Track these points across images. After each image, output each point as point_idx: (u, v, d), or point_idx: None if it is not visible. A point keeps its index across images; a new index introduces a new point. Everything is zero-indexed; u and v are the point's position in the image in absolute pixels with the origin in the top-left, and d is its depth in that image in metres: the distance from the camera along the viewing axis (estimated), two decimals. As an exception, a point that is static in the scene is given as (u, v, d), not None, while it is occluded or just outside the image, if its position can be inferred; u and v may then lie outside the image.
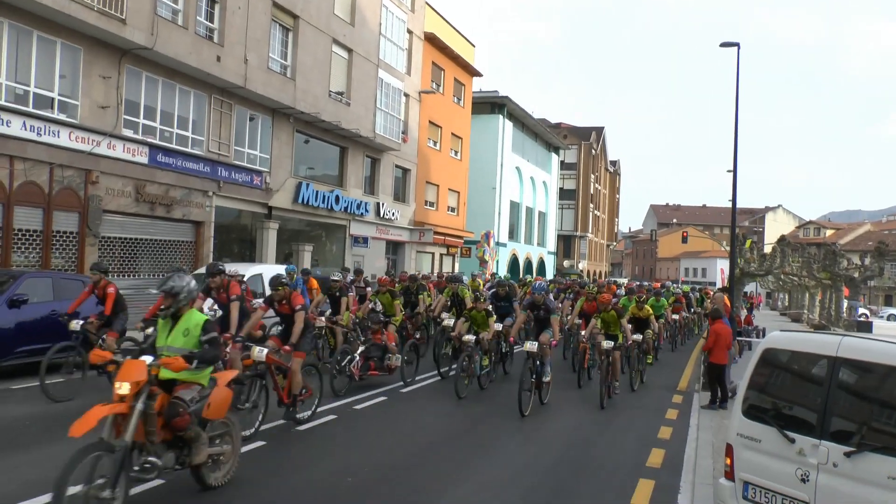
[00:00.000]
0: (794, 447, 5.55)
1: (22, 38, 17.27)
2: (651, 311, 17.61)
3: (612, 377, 13.64)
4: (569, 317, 19.27)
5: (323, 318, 15.66)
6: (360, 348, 13.33)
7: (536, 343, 12.33)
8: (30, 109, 17.35)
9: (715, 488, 6.67)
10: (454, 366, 14.14)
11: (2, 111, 16.57)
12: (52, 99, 18.07)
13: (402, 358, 13.89)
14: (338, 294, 16.06)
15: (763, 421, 5.89)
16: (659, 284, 30.74)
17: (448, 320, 16.18)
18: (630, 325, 15.75)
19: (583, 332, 15.13)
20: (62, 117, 18.16)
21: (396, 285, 18.68)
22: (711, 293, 32.74)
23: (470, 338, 13.66)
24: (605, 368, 13.42)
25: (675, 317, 24.41)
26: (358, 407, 11.89)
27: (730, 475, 6.08)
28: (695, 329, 30.74)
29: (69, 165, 18.25)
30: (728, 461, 6.12)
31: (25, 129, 17.08)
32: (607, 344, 13.63)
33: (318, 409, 10.94)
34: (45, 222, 17.93)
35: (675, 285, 41.44)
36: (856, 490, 5.15)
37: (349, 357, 13.07)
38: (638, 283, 38.59)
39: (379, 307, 16.31)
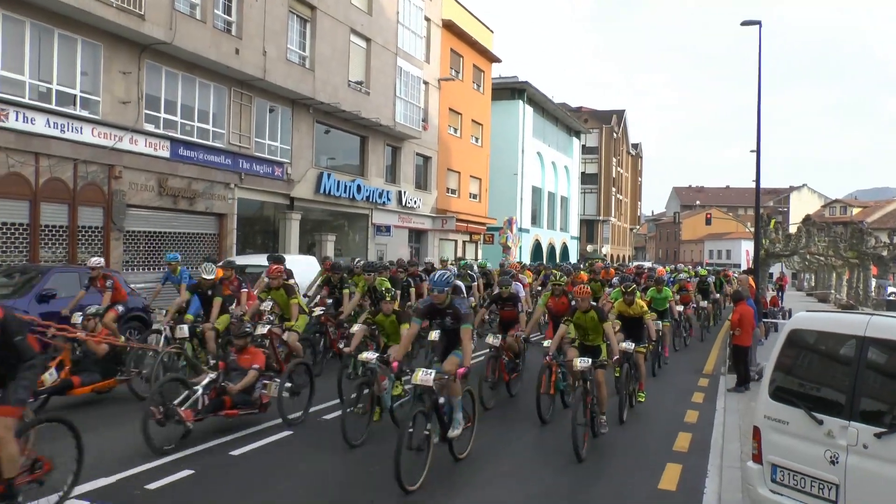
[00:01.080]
0: (823, 429, 5.48)
1: (44, 37, 17.43)
2: (644, 308, 12.21)
3: (593, 409, 9.33)
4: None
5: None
6: (208, 377, 9.07)
7: (431, 373, 7.76)
8: (53, 107, 17.52)
9: (743, 471, 6.63)
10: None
11: (26, 109, 16.77)
12: (75, 96, 18.23)
13: (281, 386, 9.58)
14: (210, 293, 12.01)
15: (790, 403, 5.82)
16: (664, 271, 22.54)
17: (356, 327, 11.05)
18: (618, 329, 11.72)
19: (547, 343, 10.53)
20: (84, 114, 18.32)
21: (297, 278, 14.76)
22: (732, 275, 31.32)
23: (369, 356, 9.16)
24: (579, 397, 8.93)
25: (680, 309, 19.01)
26: (211, 459, 8.04)
27: (757, 458, 6.02)
28: (711, 322, 24.49)
29: (93, 161, 18.42)
30: (755, 444, 6.06)
31: (49, 127, 17.26)
32: (582, 363, 9.16)
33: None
34: (70, 218, 18.13)
35: (687, 268, 35.66)
36: (887, 471, 5.08)
37: (187, 392, 8.80)
38: (645, 265, 35.15)
39: (267, 306, 11.98)
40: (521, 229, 49.34)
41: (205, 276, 11.94)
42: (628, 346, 11.30)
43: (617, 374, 10.96)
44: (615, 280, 18.17)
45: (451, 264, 22.87)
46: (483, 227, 44.53)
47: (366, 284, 13.34)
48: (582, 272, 20.90)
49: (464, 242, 42.94)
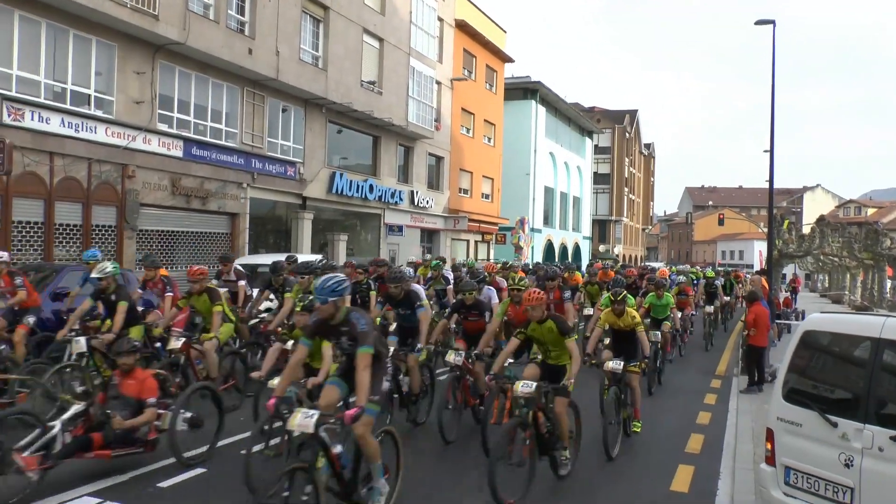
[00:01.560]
0: (837, 431, 5.44)
1: (59, 37, 17.54)
2: (637, 319, 9.86)
3: (553, 448, 7.62)
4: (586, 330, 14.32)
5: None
6: (73, 409, 7.17)
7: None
8: (68, 106, 17.63)
9: (756, 474, 6.60)
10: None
11: (41, 109, 16.89)
12: (89, 95, 18.34)
13: (175, 416, 7.59)
14: (113, 297, 9.91)
15: (804, 405, 5.78)
16: (666, 272, 20.98)
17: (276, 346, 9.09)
18: (606, 345, 10.15)
19: (500, 364, 8.10)
20: (99, 113, 18.43)
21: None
22: (743, 276, 29.78)
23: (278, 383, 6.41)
24: (514, 439, 7.04)
25: (680, 314, 16.69)
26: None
27: (771, 460, 5.98)
28: (715, 328, 21.64)
29: (106, 160, 18.52)
30: (768, 446, 6.02)
31: (64, 126, 17.37)
32: (524, 389, 7.19)
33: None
34: (84, 217, 18.23)
35: (696, 268, 32.86)
36: (902, 474, 5.04)
37: (37, 432, 6.80)
38: (655, 266, 32.39)
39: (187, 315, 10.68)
40: (533, 229, 49.26)
41: (95, 276, 9.86)
42: (616, 364, 9.22)
43: (605, 396, 9.43)
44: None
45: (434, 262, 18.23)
46: (495, 227, 44.48)
47: (300, 289, 10.65)
48: (577, 273, 19.14)
49: (476, 242, 42.92)
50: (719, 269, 43.13)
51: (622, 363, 9.27)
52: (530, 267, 25.37)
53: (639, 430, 9.84)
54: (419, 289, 11.25)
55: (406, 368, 9.47)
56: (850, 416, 5.42)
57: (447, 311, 11.19)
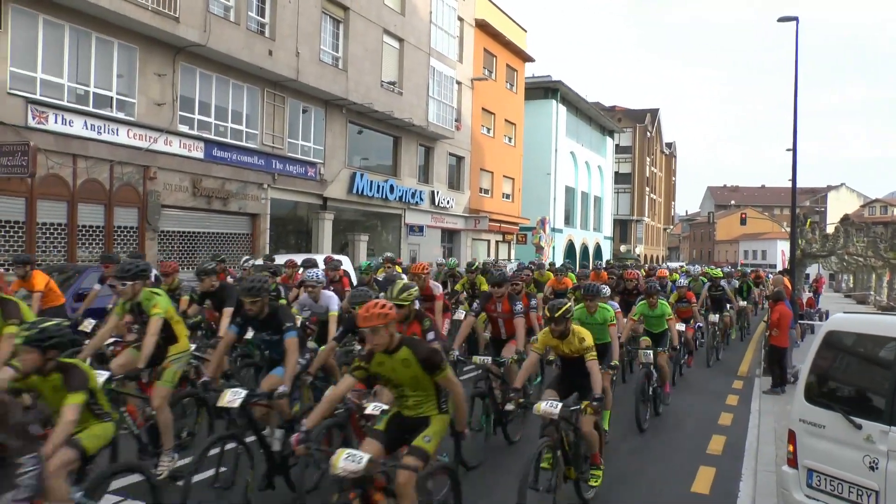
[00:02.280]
0: (861, 433, 5.35)
1: (82, 40, 17.71)
2: (587, 344, 7.12)
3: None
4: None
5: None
6: None
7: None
8: (90, 109, 17.80)
9: (777, 476, 6.51)
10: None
11: (65, 112, 17.06)
12: (111, 98, 18.49)
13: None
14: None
15: (827, 406, 5.70)
16: (665, 273, 18.62)
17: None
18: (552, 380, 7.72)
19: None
20: (120, 115, 18.58)
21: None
22: (765, 276, 28.44)
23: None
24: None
25: (682, 328, 13.28)
26: None
27: (793, 462, 5.90)
28: (725, 339, 18.82)
29: (128, 162, 18.67)
30: (790, 448, 5.95)
31: (87, 129, 17.53)
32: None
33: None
34: (106, 218, 18.39)
35: (711, 268, 26.10)
36: (927, 477, 4.95)
37: None
38: (672, 266, 29.50)
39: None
40: (554, 229, 49.12)
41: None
42: (550, 408, 6.46)
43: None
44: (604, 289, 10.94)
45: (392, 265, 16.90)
46: (516, 227, 44.40)
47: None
48: (570, 276, 16.19)
49: (497, 242, 42.85)
50: (731, 268, 37.15)
51: (557, 406, 6.50)
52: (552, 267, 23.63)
53: (597, 482, 7.31)
54: (329, 296, 9.48)
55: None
56: (875, 417, 5.33)
57: None
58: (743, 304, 21.20)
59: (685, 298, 14.43)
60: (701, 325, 16.09)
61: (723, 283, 18.51)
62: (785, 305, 13.88)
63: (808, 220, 41.52)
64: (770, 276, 25.37)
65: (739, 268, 34.69)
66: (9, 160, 15.26)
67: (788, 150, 19.59)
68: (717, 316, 17.07)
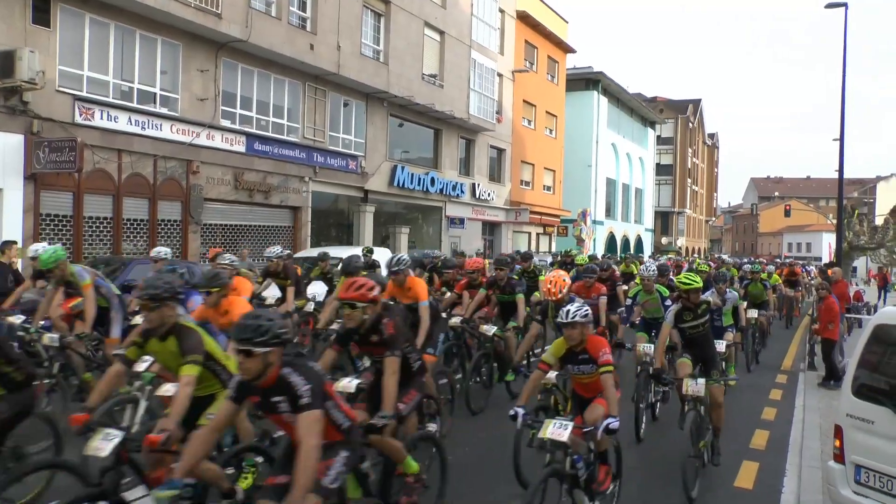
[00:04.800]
0: (911, 429, 5.24)
1: (126, 38, 18.03)
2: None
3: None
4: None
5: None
6: None
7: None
8: (135, 105, 18.11)
9: (824, 471, 6.40)
10: None
11: (110, 108, 17.39)
12: (155, 94, 18.79)
13: None
14: None
15: (876, 401, 5.58)
16: (683, 263, 16.60)
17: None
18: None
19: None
20: (164, 111, 18.87)
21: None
22: (801, 272, 25.59)
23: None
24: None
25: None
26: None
27: (839, 458, 5.79)
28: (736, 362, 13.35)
29: (172, 157, 18.95)
30: (837, 443, 5.83)
31: (131, 124, 17.84)
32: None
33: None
34: (150, 212, 18.70)
35: (695, 258, 24.35)
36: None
37: None
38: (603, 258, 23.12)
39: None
40: (595, 221, 48.80)
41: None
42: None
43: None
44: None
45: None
46: (557, 219, 44.18)
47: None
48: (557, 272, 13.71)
49: (538, 235, 42.70)
50: (743, 262, 30.88)
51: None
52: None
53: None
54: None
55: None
56: (925, 413, 5.20)
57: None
58: (753, 315, 14.63)
59: (679, 297, 11.68)
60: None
61: (734, 281, 17.01)
62: (833, 298, 13.61)
63: (856, 212, 40.62)
64: (811, 269, 24.61)
65: (746, 263, 27.23)
66: (57, 156, 15.56)
67: (835, 139, 19.22)
68: (723, 344, 10.69)
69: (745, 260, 39.80)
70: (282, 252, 11.97)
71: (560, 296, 7.44)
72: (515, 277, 11.67)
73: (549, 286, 7.62)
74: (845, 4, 18.71)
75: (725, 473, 7.91)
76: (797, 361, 16.10)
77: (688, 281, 7.93)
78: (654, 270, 11.02)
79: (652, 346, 8.88)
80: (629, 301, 11.27)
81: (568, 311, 5.85)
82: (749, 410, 11.06)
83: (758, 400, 11.85)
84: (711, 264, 20.97)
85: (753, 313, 14.40)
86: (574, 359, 6.07)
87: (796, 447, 8.96)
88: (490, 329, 10.29)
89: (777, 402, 11.74)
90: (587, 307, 6.02)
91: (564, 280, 7.66)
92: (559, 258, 22.17)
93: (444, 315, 10.40)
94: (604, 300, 11.03)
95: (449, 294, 11.80)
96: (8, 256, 11.03)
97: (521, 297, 10.67)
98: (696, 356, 8.08)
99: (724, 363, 9.36)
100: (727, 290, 10.29)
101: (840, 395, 6.04)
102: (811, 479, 7.63)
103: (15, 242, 12.17)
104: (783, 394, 12.48)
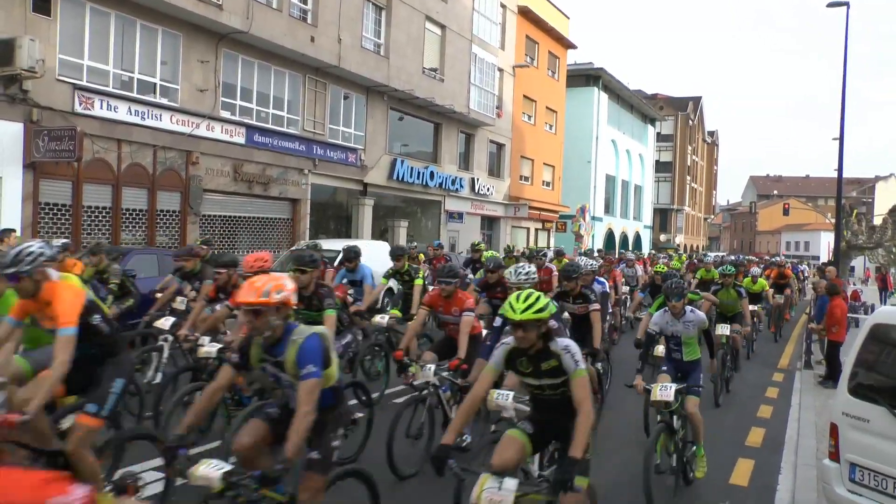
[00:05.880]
0: (907, 428, 5.25)
1: (127, 28, 17.98)
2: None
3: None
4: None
5: None
6: None
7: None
8: (134, 95, 18.07)
9: (819, 470, 6.41)
10: None
11: (110, 98, 17.35)
12: (155, 84, 18.75)
13: None
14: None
15: (872, 400, 5.59)
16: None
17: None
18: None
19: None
20: (164, 101, 18.83)
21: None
22: (791, 273, 23.29)
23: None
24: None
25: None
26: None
27: (835, 456, 5.80)
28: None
29: (171, 147, 18.93)
30: (833, 441, 5.84)
31: (131, 114, 17.81)
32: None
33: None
34: (149, 202, 18.68)
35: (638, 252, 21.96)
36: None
37: None
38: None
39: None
40: (593, 218, 48.78)
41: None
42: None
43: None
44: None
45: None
46: (555, 214, 44.19)
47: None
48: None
49: (536, 230, 42.70)
50: (703, 256, 28.88)
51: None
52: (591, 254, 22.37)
53: None
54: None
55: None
56: (921, 412, 5.22)
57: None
58: (723, 331, 11.90)
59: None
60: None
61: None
62: (840, 299, 13.61)
63: (855, 211, 40.63)
64: (812, 267, 24.21)
65: (707, 256, 25.89)
66: (57, 145, 15.53)
67: (835, 139, 19.20)
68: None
69: (712, 256, 36.95)
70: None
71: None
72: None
73: None
74: (847, 3, 18.69)
75: (721, 470, 7.93)
76: (794, 360, 16.13)
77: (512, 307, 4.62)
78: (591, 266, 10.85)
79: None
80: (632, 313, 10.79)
81: None
82: (745, 408, 11.09)
83: (754, 398, 11.89)
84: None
85: (724, 330, 11.58)
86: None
87: (792, 445, 8.99)
88: (384, 318, 10.57)
89: (773, 400, 11.77)
90: None
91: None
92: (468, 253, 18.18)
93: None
94: (468, 318, 7.76)
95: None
96: (7, 245, 11.03)
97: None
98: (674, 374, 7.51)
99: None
100: (690, 310, 7.54)
101: (836, 393, 6.06)
102: (806, 477, 7.64)
103: (14, 231, 12.21)
104: (779, 392, 12.51)
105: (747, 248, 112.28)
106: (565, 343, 4.64)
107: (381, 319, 10.56)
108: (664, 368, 7.57)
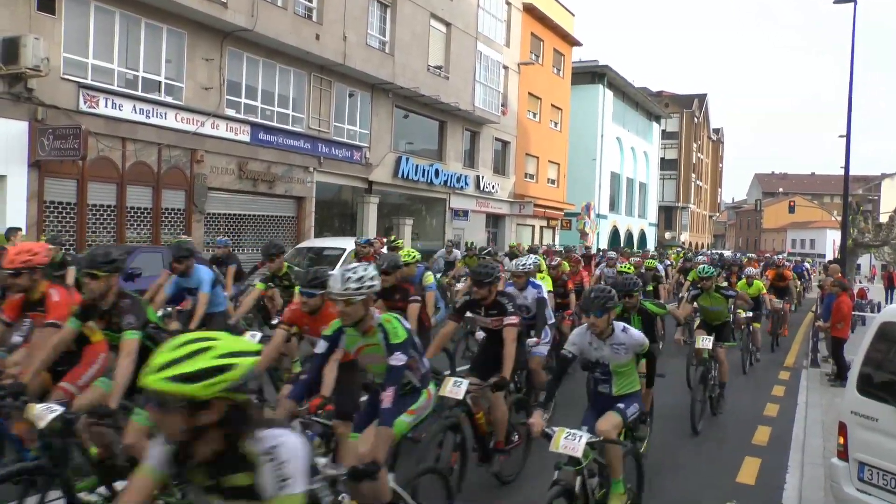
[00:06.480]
0: (916, 427, 5.21)
1: (131, 26, 17.98)
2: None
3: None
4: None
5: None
6: None
7: None
8: (139, 93, 18.06)
9: (827, 469, 6.38)
10: None
11: (114, 96, 17.35)
12: (159, 82, 18.74)
13: None
14: None
15: (880, 398, 5.55)
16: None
17: None
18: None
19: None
20: (169, 100, 18.82)
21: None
22: (791, 274, 20.76)
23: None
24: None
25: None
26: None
27: (843, 455, 5.77)
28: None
29: (176, 145, 18.92)
30: (841, 440, 5.81)
31: (135, 112, 17.80)
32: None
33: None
34: (154, 200, 18.68)
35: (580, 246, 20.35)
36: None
37: None
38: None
39: None
40: (598, 215, 48.73)
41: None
42: None
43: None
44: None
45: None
46: (560, 212, 44.12)
47: None
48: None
49: (541, 228, 42.65)
50: (694, 256, 28.27)
51: None
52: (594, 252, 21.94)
53: None
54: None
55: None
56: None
57: None
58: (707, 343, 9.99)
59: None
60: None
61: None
62: (845, 296, 13.53)
63: (861, 209, 40.51)
64: (816, 264, 23.82)
65: (690, 253, 24.42)
66: (61, 143, 15.54)
67: (841, 136, 19.10)
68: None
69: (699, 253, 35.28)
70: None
71: None
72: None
73: None
74: (854, 0, 18.59)
75: (728, 469, 7.90)
76: (800, 358, 16.07)
77: None
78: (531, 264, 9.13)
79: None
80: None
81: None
82: (751, 407, 11.05)
83: (760, 396, 11.84)
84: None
85: (706, 343, 9.81)
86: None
87: (798, 444, 8.95)
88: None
89: (780, 399, 11.72)
90: None
91: None
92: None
93: None
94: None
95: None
96: (13, 243, 11.04)
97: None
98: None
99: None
100: (622, 328, 5.78)
101: (844, 392, 6.02)
102: (813, 475, 7.62)
103: (20, 229, 12.22)
104: (786, 390, 12.46)
105: (752, 246, 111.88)
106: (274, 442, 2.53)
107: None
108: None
